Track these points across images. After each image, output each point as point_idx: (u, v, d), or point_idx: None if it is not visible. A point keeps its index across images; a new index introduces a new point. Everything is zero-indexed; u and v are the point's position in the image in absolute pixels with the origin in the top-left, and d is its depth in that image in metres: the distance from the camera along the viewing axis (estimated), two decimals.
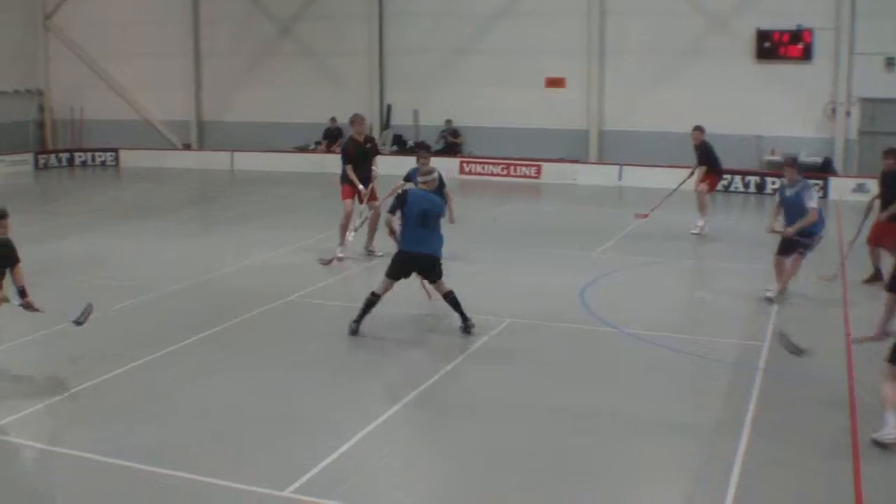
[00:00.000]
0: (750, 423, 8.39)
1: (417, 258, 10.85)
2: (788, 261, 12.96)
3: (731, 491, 7.00)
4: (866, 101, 26.37)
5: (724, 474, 7.27)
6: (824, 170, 25.97)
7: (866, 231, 14.02)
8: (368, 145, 15.60)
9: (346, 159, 15.37)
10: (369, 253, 15.49)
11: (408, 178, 14.00)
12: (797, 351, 8.46)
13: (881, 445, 7.76)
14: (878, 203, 14.01)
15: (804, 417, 8.70)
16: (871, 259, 14.04)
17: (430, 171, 11.52)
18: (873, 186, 23.66)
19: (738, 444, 7.90)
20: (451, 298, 10.97)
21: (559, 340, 11.20)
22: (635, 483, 7.28)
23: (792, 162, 13.42)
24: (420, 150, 16.58)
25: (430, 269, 10.94)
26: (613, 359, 10.55)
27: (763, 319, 12.10)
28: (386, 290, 10.93)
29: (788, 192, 12.94)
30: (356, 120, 15.61)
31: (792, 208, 12.89)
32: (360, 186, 15.19)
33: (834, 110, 26.33)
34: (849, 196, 24.13)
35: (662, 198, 19.57)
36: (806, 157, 26.34)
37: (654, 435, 8.20)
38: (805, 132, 26.48)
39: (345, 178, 15.38)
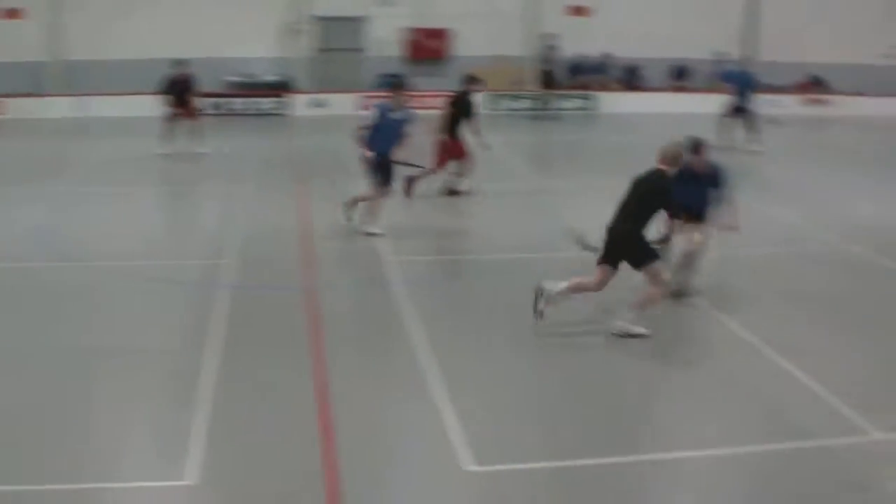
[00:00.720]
0: (221, 339, 8.65)
1: None
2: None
3: (204, 411, 7.14)
4: (321, 20, 27.81)
5: (194, 394, 7.42)
6: (283, 87, 27.17)
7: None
8: None
9: None
10: None
11: None
12: (589, 247, 8.58)
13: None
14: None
15: (269, 330, 9.09)
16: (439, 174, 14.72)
17: None
18: (332, 101, 25.53)
19: (208, 362, 8.08)
20: None
21: (15, 280, 10.65)
22: (100, 413, 7.21)
23: (401, 85, 12.92)
24: None
25: None
26: (76, 293, 10.17)
27: (229, 239, 12.43)
28: None
29: (395, 115, 12.34)
30: None
31: (391, 131, 12.29)
32: None
33: (291, 29, 27.46)
34: (307, 111, 26.22)
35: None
36: (265, 76, 27.40)
37: (120, 365, 8.07)
38: (265, 51, 27.33)
39: None
